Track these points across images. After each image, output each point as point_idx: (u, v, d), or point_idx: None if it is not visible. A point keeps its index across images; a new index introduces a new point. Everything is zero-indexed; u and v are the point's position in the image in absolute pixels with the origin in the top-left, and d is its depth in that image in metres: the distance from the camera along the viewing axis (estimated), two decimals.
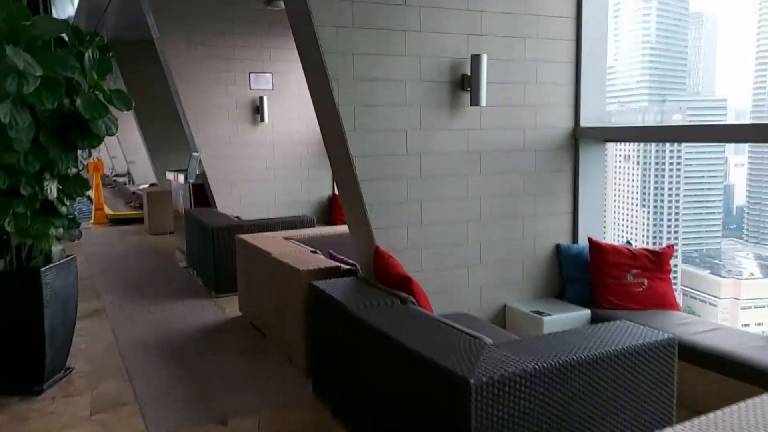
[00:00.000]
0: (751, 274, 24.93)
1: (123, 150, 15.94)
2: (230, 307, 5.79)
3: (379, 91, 3.79)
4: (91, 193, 12.59)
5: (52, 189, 3.82)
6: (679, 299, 4.21)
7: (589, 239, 4.32)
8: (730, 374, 3.22)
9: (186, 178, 8.20)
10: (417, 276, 3.71)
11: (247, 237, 5.39)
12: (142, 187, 12.35)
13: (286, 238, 5.31)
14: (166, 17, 7.22)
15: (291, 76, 7.83)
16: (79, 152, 3.93)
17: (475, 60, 3.92)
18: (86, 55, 3.63)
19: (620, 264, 4.19)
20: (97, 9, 9.50)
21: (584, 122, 4.41)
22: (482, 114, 4.10)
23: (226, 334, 5.03)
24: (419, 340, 2.63)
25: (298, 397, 3.79)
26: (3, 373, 3.91)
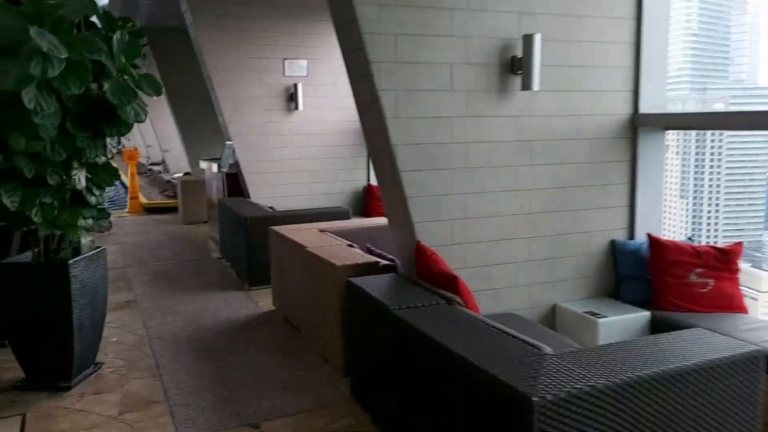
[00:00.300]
0: None
1: (158, 139, 15.98)
2: (263, 300, 5.62)
3: (422, 76, 3.52)
4: (126, 181, 12.63)
5: (80, 178, 3.67)
6: None
7: (649, 235, 4.00)
8: None
9: (219, 167, 8.06)
10: (461, 273, 3.45)
11: (281, 229, 5.19)
12: (176, 176, 12.31)
13: (321, 231, 5.09)
14: (199, 2, 7.04)
15: (326, 62, 7.59)
16: (109, 140, 3.76)
17: (527, 40, 3.62)
18: (114, 37, 3.45)
19: (683, 262, 3.86)
20: None
21: (643, 109, 4.07)
22: (534, 100, 3.80)
23: (259, 330, 4.85)
24: (471, 348, 2.38)
25: (335, 400, 3.58)
26: (31, 368, 3.80)
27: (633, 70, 4.05)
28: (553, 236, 3.98)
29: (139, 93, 3.60)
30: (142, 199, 12.14)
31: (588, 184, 4.04)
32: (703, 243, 4.15)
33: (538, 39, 3.62)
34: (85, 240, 3.90)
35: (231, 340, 4.64)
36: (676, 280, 3.85)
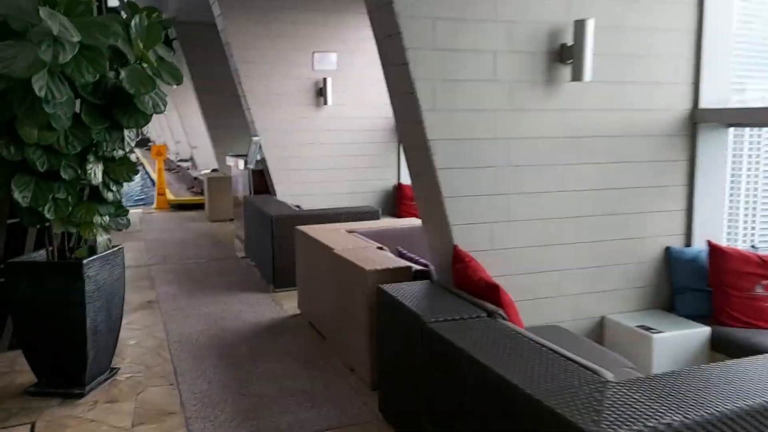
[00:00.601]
0: None
1: (186, 135, 15.91)
2: (288, 303, 5.37)
3: (462, 64, 3.22)
4: (154, 176, 12.56)
5: (96, 173, 3.46)
6: None
7: (709, 242, 3.64)
8: None
9: (246, 163, 7.86)
10: (501, 281, 3.14)
11: (308, 229, 4.94)
12: (203, 172, 12.19)
13: (349, 232, 4.83)
14: None
15: (357, 55, 7.33)
16: (127, 133, 3.54)
17: (579, 26, 3.29)
18: (132, 22, 3.22)
19: (747, 273, 3.49)
20: None
21: (704, 103, 3.70)
22: (583, 92, 3.47)
23: (283, 336, 4.60)
24: (520, 372, 2.08)
25: (362, 416, 3.30)
26: (43, 373, 3.60)
27: (693, 61, 3.69)
28: (601, 242, 3.64)
29: (159, 82, 3.37)
30: (170, 196, 12.05)
31: (641, 186, 3.69)
32: (739, 247, 3.78)
33: (590, 25, 3.28)
34: (102, 238, 3.69)
35: (253, 345, 4.40)
36: (739, 293, 3.48)
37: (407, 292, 3.07)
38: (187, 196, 12.21)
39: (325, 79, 7.16)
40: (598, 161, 3.57)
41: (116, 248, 3.80)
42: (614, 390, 1.94)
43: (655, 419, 1.74)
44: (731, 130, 3.84)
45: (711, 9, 3.65)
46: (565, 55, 3.38)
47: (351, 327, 3.86)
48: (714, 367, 2.17)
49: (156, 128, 25.55)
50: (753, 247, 3.78)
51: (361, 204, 7.38)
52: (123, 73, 3.14)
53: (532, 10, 3.29)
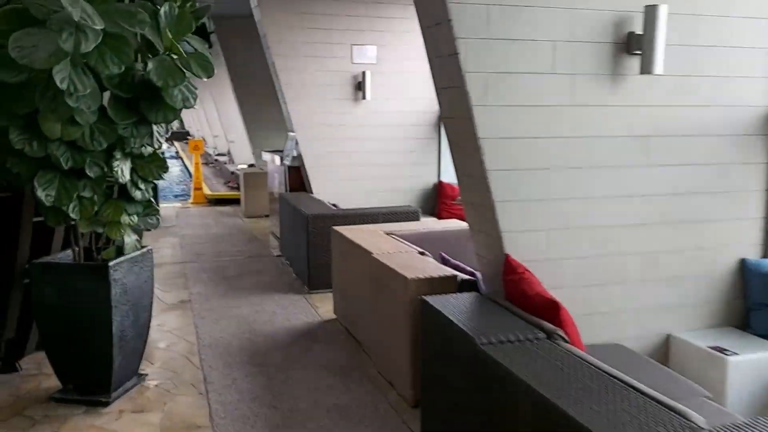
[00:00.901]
0: None
1: (224, 129, 15.88)
2: (323, 306, 5.15)
3: (518, 55, 2.92)
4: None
5: (123, 170, 3.27)
6: None
7: None
8: None
9: (282, 159, 7.67)
10: (557, 294, 2.84)
11: (345, 230, 4.69)
12: (240, 167, 12.09)
13: (388, 233, 4.56)
14: None
15: (397, 48, 7.04)
16: (156, 128, 3.34)
17: (650, 13, 2.95)
18: (162, 10, 3.01)
19: None
20: None
21: None
22: (652, 87, 3.12)
23: (317, 342, 4.36)
24: (592, 413, 1.78)
25: None
26: (67, 379, 3.44)
27: None
28: (668, 252, 3.29)
29: (189, 75, 3.15)
30: (206, 191, 11.98)
31: (714, 191, 3.32)
32: None
33: (663, 11, 2.94)
34: (130, 239, 3.51)
35: (286, 352, 4.17)
36: None
37: (454, 306, 2.79)
38: (223, 191, 12.13)
39: (363, 73, 6.90)
40: (667, 163, 3.22)
41: (145, 249, 3.62)
42: None
43: None
44: None
45: None
46: (632, 45, 3.04)
47: (390, 337, 3.60)
48: None
49: (195, 122, 25.74)
50: None
51: (400, 202, 7.10)
52: (150, 65, 2.93)
53: None
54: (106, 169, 3.18)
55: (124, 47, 2.77)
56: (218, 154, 18.39)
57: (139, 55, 3.20)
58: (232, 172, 13.26)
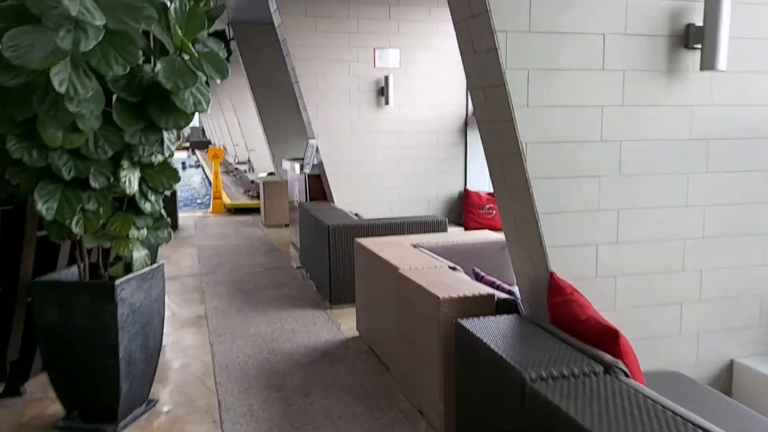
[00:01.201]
0: None
1: (244, 137, 15.75)
2: (346, 323, 4.86)
3: (564, 50, 2.62)
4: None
5: (131, 181, 3.02)
6: None
7: None
8: None
9: (302, 167, 7.42)
10: (607, 317, 2.52)
11: (368, 242, 4.40)
12: (260, 175, 11.89)
13: (414, 246, 4.26)
14: None
15: (421, 52, 6.77)
16: (166, 135, 3.09)
17: (712, 2, 2.62)
18: (172, 6, 2.76)
19: None
20: None
21: None
22: (715, 84, 2.80)
23: (341, 364, 4.07)
24: None
25: None
26: (72, 406, 3.19)
27: None
28: (732, 269, 2.95)
29: (202, 77, 2.89)
30: (226, 200, 11.79)
31: None
32: None
33: (727, 0, 2.62)
34: (139, 254, 3.25)
35: (306, 375, 3.89)
36: None
37: (494, 332, 2.48)
38: (243, 200, 11.93)
39: (386, 78, 6.64)
40: (730, 169, 2.88)
41: (155, 265, 3.36)
42: None
43: None
44: None
45: None
46: (692, 38, 2.72)
47: (420, 361, 3.29)
48: None
49: (216, 130, 25.74)
50: None
51: (424, 212, 6.82)
52: (159, 66, 2.68)
53: None
54: (112, 180, 2.93)
55: (129, 46, 2.53)
56: (238, 163, 18.29)
57: (147, 56, 2.97)
58: (252, 181, 13.08)
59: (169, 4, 2.76)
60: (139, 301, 3.17)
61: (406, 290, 3.46)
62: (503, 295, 3.06)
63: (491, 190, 6.79)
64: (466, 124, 6.95)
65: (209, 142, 29.37)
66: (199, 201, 15.92)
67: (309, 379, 3.81)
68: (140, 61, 2.67)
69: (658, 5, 2.68)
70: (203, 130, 36.07)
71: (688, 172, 2.83)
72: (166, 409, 3.44)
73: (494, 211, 6.61)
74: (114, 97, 2.79)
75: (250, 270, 6.80)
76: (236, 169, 17.62)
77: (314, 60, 6.52)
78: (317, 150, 6.70)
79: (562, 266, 2.71)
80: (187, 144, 34.12)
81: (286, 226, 9.24)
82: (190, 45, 2.79)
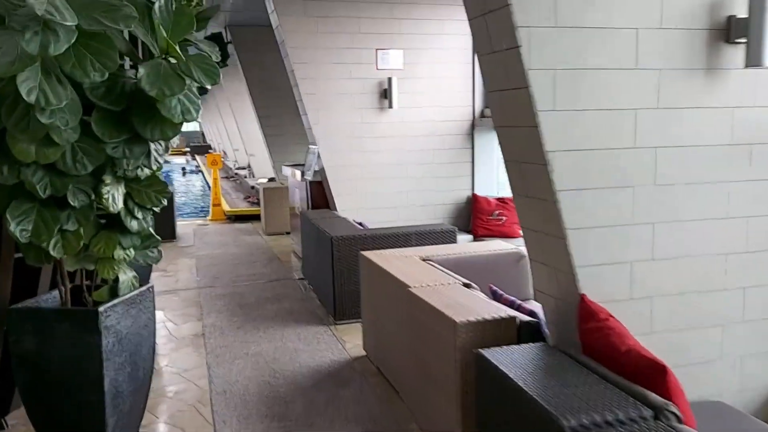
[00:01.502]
0: None
1: (244, 142, 15.49)
2: (351, 340, 4.59)
3: (593, 47, 2.34)
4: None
5: (115, 197, 2.75)
6: None
7: None
8: None
9: (302, 174, 7.15)
10: (643, 342, 2.25)
11: (375, 255, 4.13)
12: (260, 181, 11.62)
13: (424, 260, 3.99)
14: None
15: (426, 53, 6.50)
16: (153, 147, 2.82)
17: None
18: (156, 5, 2.49)
19: None
20: None
21: None
22: (759, 82, 2.53)
23: (347, 387, 3.80)
24: None
25: None
26: None
27: None
28: None
29: (191, 83, 2.62)
30: (225, 206, 11.52)
31: None
32: None
33: None
34: (125, 276, 2.98)
35: (309, 400, 3.62)
36: None
37: (520, 365, 2.21)
38: (243, 207, 11.66)
39: (389, 80, 6.37)
40: None
41: (144, 288, 3.09)
42: None
43: None
44: None
45: None
46: (734, 32, 2.44)
47: (434, 389, 3.02)
48: None
49: (216, 135, 25.50)
50: None
51: (431, 218, 6.55)
52: (141, 71, 2.41)
53: None
54: (93, 197, 2.67)
55: (107, 49, 2.26)
56: (238, 168, 18.02)
57: (134, 60, 2.71)
58: (252, 187, 12.82)
59: (153, 2, 2.49)
60: (126, 327, 2.90)
61: (417, 311, 3.18)
62: (525, 318, 2.78)
63: (500, 195, 6.59)
64: (473, 126, 6.68)
65: (209, 147, 29.12)
66: (202, 205, 15.68)
67: (312, 406, 3.54)
68: (125, 66, 2.41)
69: None
70: (203, 135, 35.85)
71: (729, 180, 2.55)
72: None
73: (504, 218, 6.33)
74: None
75: (251, 282, 6.52)
76: (236, 174, 17.36)
77: (314, 62, 6.25)
78: (318, 156, 6.43)
79: (593, 287, 2.43)
80: (187, 149, 33.92)
81: (287, 233, 8.97)
82: (177, 48, 2.52)
